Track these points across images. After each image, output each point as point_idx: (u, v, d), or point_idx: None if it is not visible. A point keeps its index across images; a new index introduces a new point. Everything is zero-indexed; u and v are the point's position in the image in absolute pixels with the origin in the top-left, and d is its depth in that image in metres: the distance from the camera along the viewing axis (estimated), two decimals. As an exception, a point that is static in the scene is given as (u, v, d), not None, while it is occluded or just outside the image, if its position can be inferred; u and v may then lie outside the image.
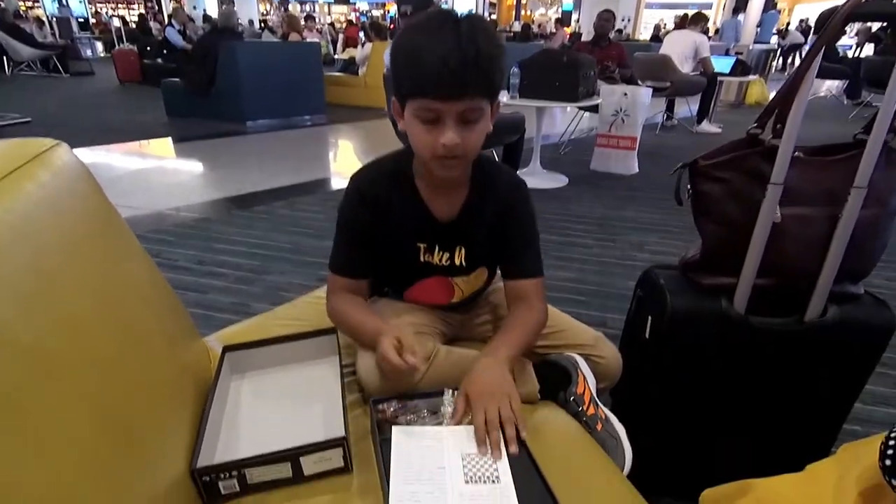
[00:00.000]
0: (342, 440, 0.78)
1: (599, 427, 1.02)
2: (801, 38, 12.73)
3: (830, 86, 10.38)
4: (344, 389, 0.91)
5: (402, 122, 0.92)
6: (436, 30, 0.82)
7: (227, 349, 0.99)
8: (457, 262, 1.08)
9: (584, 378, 1.05)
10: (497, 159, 3.73)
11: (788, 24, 18.86)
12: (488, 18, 16.08)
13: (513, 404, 0.86)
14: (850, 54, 10.99)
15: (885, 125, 0.97)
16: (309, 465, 0.78)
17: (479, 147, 0.92)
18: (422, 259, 1.07)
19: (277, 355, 1.03)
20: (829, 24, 0.94)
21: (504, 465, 0.80)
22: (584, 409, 1.02)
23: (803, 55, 1.02)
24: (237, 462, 0.74)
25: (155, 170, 4.57)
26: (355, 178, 1.03)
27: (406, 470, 0.77)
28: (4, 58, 10.75)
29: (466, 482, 0.76)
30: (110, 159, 4.80)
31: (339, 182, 4.28)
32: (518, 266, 1.06)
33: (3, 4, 10.46)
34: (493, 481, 0.77)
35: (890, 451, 0.70)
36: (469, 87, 0.82)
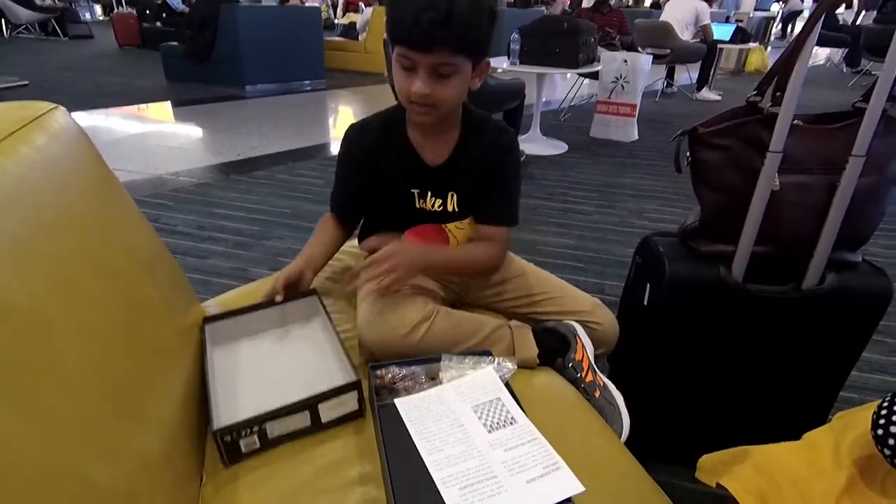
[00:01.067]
0: (357, 383, 0.81)
1: (598, 394, 1.03)
2: (800, 5, 12.54)
3: (830, 54, 10.26)
4: (341, 339, 0.92)
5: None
6: None
7: (207, 320, 0.98)
8: (449, 207, 1.11)
9: (583, 345, 1.07)
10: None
11: None
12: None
13: (399, 271, 0.97)
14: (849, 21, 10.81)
15: (884, 93, 0.96)
16: (325, 411, 0.80)
17: (453, 100, 0.97)
18: (417, 205, 1.10)
19: (262, 321, 1.03)
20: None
21: (513, 407, 0.82)
22: (583, 375, 1.03)
23: (803, 22, 1.01)
24: (257, 417, 0.75)
25: (153, 134, 4.54)
26: (349, 128, 1.10)
27: (430, 439, 0.78)
28: (2, 21, 10.58)
29: (489, 431, 0.78)
30: (108, 123, 4.76)
31: (339, 147, 4.24)
32: (488, 211, 1.11)
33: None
34: (511, 423, 0.79)
35: (881, 421, 0.70)
36: (438, 43, 0.88)
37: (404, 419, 0.81)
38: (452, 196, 1.10)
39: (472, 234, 1.14)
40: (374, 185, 1.09)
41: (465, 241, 1.17)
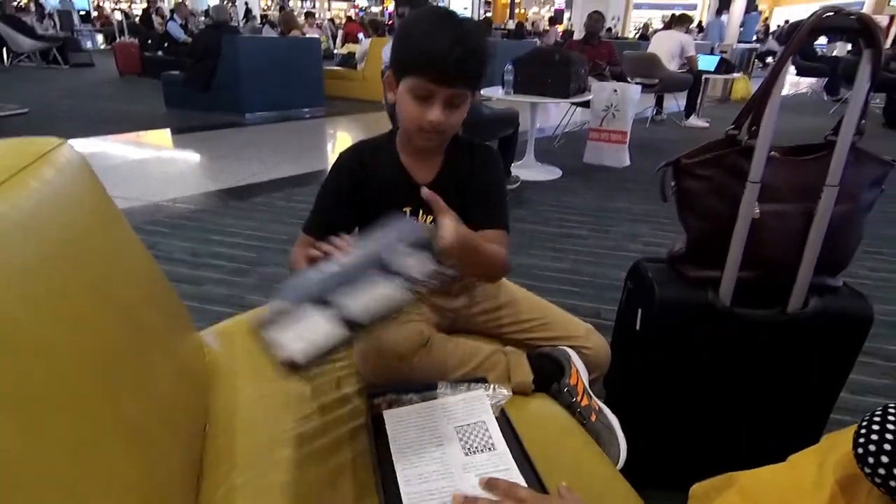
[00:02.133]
0: None
1: (593, 418, 1.04)
2: (776, 47, 12.87)
3: (811, 82, 10.50)
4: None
5: (393, 94, 1.03)
6: (442, 23, 0.94)
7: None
8: None
9: (577, 370, 1.08)
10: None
11: (768, 28, 18.84)
12: (483, 16, 16.04)
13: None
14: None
15: (851, 127, 1.02)
16: None
17: (456, 128, 1.03)
18: None
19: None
20: (795, 37, 0.99)
21: (495, 433, 0.83)
22: (578, 400, 1.04)
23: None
24: None
25: (152, 160, 4.58)
26: (341, 153, 1.13)
27: (407, 455, 0.80)
28: (4, 49, 10.71)
29: (465, 454, 0.80)
30: (107, 149, 4.81)
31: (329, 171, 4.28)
32: (483, 217, 1.08)
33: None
34: (490, 449, 0.80)
35: (861, 440, 0.71)
36: (464, 77, 0.94)
37: (388, 431, 0.83)
38: None
39: None
40: (364, 206, 1.10)
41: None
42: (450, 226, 0.83)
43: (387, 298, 0.69)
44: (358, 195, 1.09)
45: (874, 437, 0.70)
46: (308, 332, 0.66)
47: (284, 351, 0.65)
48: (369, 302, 0.68)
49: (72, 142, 0.78)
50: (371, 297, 0.68)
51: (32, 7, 15.41)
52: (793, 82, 11.24)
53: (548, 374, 1.07)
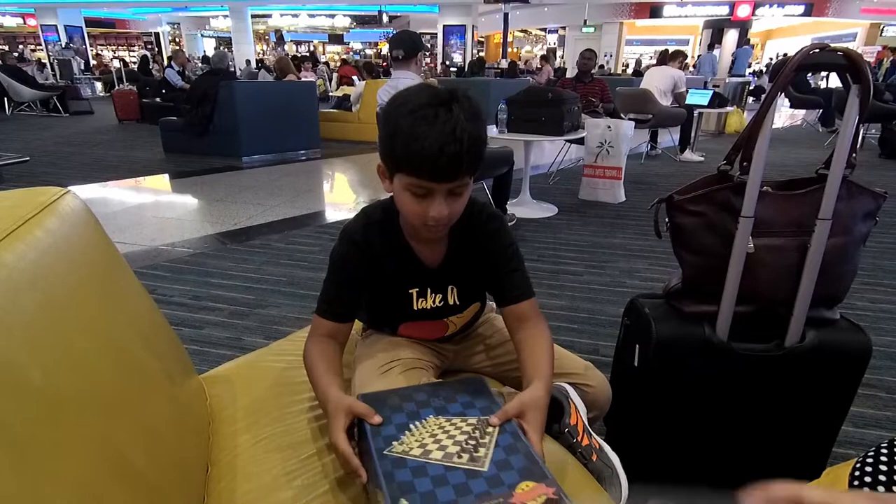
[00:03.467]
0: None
1: (594, 457, 1.03)
2: (767, 84, 13.19)
3: (806, 114, 10.64)
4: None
5: (388, 184, 0.99)
6: (432, 117, 0.86)
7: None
8: (450, 301, 1.12)
9: (576, 408, 1.07)
10: (488, 191, 3.81)
11: (766, 65, 19.21)
12: (476, 56, 16.35)
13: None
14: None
15: (841, 161, 1.04)
16: None
17: (461, 212, 0.98)
18: (416, 306, 1.11)
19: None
20: (782, 74, 1.02)
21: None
22: (579, 440, 1.03)
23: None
24: None
25: (151, 205, 4.61)
26: (347, 228, 1.07)
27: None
28: (5, 99, 10.90)
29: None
30: (107, 195, 4.85)
31: (334, 214, 4.33)
32: (510, 291, 1.08)
33: (6, 48, 10.67)
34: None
35: (857, 473, 0.72)
36: (461, 170, 0.89)
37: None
38: (453, 290, 1.11)
39: (506, 319, 1.11)
40: (372, 286, 1.08)
41: (464, 324, 1.19)
42: (539, 448, 0.82)
43: None
44: (367, 274, 1.06)
45: (868, 470, 0.70)
46: None
47: None
48: None
49: (72, 188, 0.80)
50: None
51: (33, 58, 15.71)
52: (788, 114, 11.36)
53: (548, 415, 1.06)
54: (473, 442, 0.79)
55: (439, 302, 1.11)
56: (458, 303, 1.13)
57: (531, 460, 0.77)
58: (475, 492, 0.70)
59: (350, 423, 0.84)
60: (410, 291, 1.09)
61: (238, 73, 10.90)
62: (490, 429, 0.82)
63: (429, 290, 1.10)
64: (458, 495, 0.70)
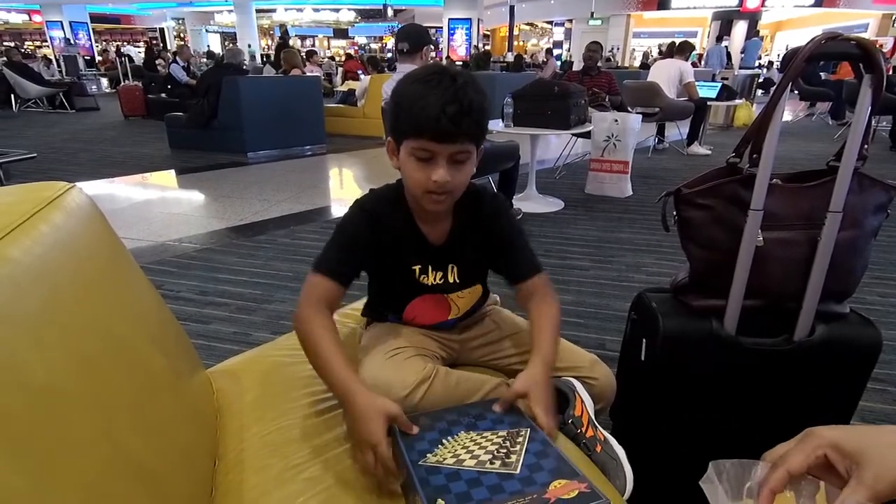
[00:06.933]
0: None
1: (598, 449, 1.03)
2: (776, 77, 13.04)
3: (816, 107, 10.52)
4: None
5: (395, 160, 1.03)
6: (435, 82, 0.92)
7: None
8: (450, 279, 1.13)
9: (582, 401, 1.08)
10: (493, 186, 3.80)
11: (773, 61, 18.96)
12: (483, 50, 16.30)
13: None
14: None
15: (853, 153, 1.02)
16: None
17: (465, 185, 1.02)
18: (417, 279, 1.12)
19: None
20: (793, 64, 1.00)
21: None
22: (583, 431, 1.03)
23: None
24: None
25: (157, 201, 4.63)
26: (359, 200, 1.10)
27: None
28: (12, 95, 10.94)
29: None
30: (113, 191, 4.87)
31: (339, 210, 4.33)
32: (519, 268, 1.13)
33: (13, 44, 10.73)
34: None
35: None
36: (462, 132, 0.93)
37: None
38: (453, 268, 1.13)
39: (518, 297, 1.14)
40: (376, 259, 1.10)
41: (467, 308, 1.20)
42: (548, 423, 0.90)
43: None
44: (373, 244, 1.07)
45: None
46: None
47: None
48: None
49: (78, 184, 0.80)
50: None
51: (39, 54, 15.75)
52: (799, 107, 11.18)
53: (555, 407, 1.06)
54: (504, 450, 0.81)
55: (440, 279, 1.13)
56: (457, 281, 1.14)
57: (561, 461, 0.79)
58: (508, 490, 0.72)
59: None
60: (413, 268, 1.11)
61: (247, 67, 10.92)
62: (520, 438, 0.85)
63: (430, 268, 1.12)
64: (492, 494, 0.72)
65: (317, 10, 27.55)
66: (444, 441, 0.84)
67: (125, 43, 25.67)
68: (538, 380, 0.96)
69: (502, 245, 1.13)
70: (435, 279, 1.13)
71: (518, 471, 0.76)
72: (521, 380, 0.97)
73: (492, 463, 0.78)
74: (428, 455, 0.81)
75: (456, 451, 0.82)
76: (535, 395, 0.93)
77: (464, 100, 0.91)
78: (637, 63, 18.14)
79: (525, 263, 1.13)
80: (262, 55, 19.48)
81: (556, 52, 22.38)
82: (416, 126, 0.94)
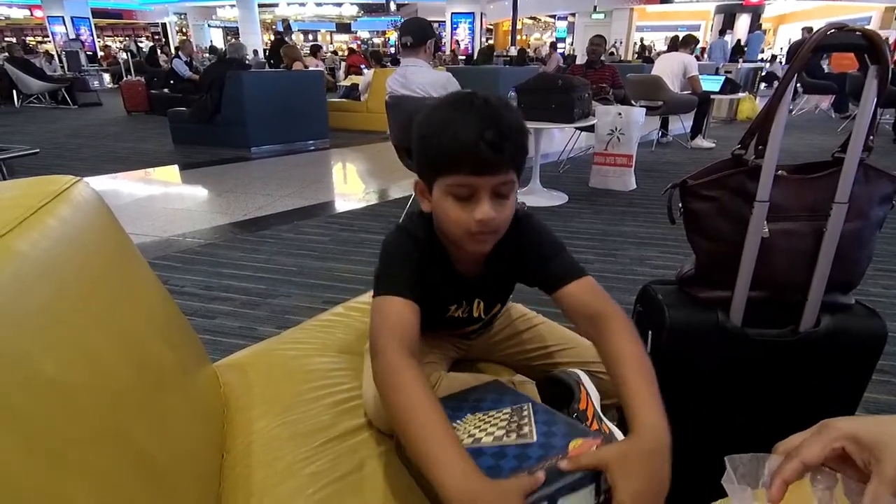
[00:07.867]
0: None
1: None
2: (780, 69, 12.94)
3: (819, 101, 10.49)
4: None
5: (427, 203, 0.90)
6: (466, 108, 0.81)
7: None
8: (475, 314, 1.08)
9: (587, 394, 1.07)
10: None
11: (775, 55, 18.79)
12: (486, 44, 16.24)
13: None
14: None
15: (859, 144, 1.02)
16: None
17: (510, 220, 0.89)
18: (447, 314, 1.06)
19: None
20: (798, 55, 0.99)
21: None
22: (588, 424, 1.02)
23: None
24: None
25: (161, 196, 4.64)
26: (400, 225, 0.98)
27: None
28: (14, 91, 10.95)
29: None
30: (117, 187, 4.88)
31: (343, 205, 4.33)
32: (557, 273, 0.97)
33: (14, 40, 10.74)
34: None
35: None
36: (505, 159, 0.81)
37: None
38: (479, 304, 1.08)
39: (568, 311, 0.97)
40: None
41: (485, 320, 1.14)
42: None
43: None
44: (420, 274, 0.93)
45: None
46: None
47: None
48: None
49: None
50: None
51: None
52: (804, 99, 11.08)
53: (557, 399, 1.05)
54: (515, 424, 0.83)
55: (464, 314, 1.07)
56: (482, 316, 1.09)
57: (571, 425, 0.82)
58: (534, 457, 0.74)
59: None
60: (448, 306, 1.03)
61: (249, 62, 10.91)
62: (525, 412, 0.86)
63: (462, 301, 1.05)
64: (519, 462, 0.73)
65: (319, 5, 27.49)
66: (454, 425, 0.84)
67: (129, 40, 25.66)
68: (629, 456, 0.71)
69: (542, 258, 0.99)
70: (461, 314, 1.08)
71: (535, 438, 0.78)
72: (607, 449, 0.71)
73: (508, 436, 0.80)
74: None
75: (470, 431, 0.83)
76: (621, 472, 0.68)
77: (502, 122, 0.79)
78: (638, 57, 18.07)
79: (567, 269, 0.97)
80: (264, 50, 19.47)
81: (559, 46, 22.33)
82: (451, 159, 0.81)
